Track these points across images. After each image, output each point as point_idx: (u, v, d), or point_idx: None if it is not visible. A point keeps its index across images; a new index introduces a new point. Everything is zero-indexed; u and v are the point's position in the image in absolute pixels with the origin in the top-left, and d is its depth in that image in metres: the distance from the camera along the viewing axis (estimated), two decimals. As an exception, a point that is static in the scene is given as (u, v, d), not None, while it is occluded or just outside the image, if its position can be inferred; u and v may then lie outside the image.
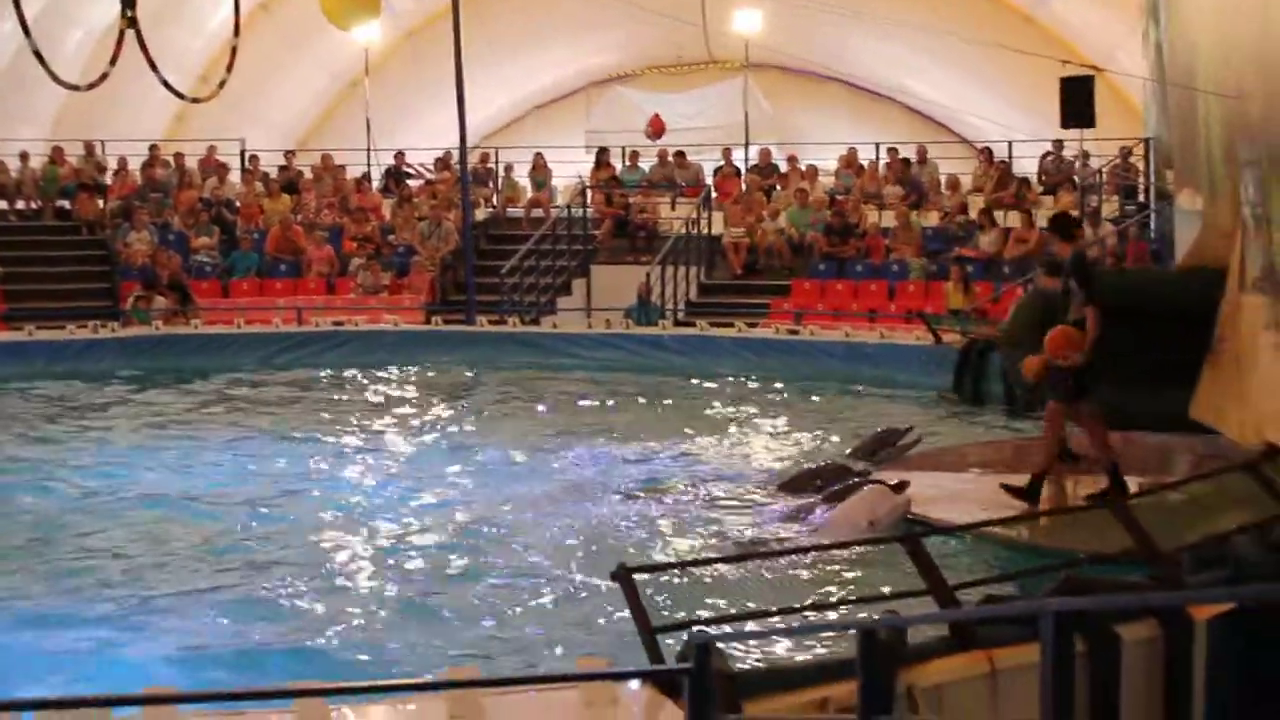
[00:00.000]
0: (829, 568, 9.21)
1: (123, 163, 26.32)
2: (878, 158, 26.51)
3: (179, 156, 26.62)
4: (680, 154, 27.14)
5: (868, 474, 11.80)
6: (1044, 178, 24.85)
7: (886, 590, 7.00)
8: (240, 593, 9.23)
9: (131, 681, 6.88)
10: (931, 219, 24.16)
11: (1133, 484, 11.12)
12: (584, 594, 9.00)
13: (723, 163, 27.17)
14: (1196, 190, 16.05)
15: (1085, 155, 24.23)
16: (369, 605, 9.00)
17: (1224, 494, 10.53)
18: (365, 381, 18.98)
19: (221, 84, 12.21)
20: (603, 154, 26.99)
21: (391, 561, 10.02)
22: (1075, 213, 22.83)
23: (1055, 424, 11.35)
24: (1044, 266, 11.99)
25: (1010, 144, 25.71)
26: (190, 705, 5.48)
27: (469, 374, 19.50)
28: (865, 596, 6.80)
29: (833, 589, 8.66)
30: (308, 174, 27.14)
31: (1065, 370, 11.02)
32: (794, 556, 9.14)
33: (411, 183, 27.26)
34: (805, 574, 9.12)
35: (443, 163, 27.23)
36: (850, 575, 9.05)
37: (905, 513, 10.59)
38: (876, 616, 6.08)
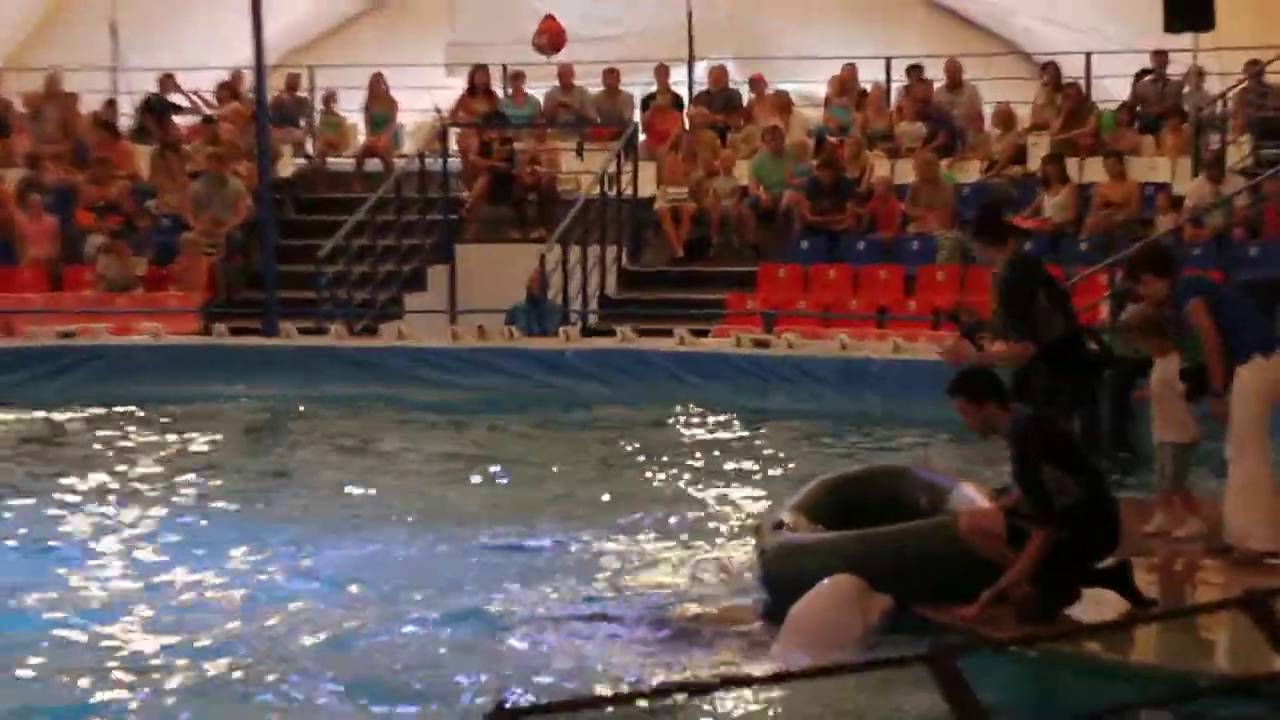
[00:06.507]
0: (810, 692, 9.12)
1: None
2: (889, 79, 26.69)
3: None
4: (612, 73, 27.15)
5: None
6: (1140, 108, 24.98)
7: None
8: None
9: None
10: (970, 172, 24.39)
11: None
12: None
13: (655, 88, 27.16)
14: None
15: (1201, 73, 24.30)
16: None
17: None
18: (109, 423, 18.80)
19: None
20: (477, 75, 26.86)
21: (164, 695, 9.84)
22: (1187, 159, 23.02)
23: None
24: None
25: (1089, 57, 25.97)
26: None
27: (267, 412, 19.49)
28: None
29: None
30: (19, 106, 27.02)
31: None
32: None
33: (180, 120, 27.19)
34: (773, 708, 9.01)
35: (229, 89, 27.22)
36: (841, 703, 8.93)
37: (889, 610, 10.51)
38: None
